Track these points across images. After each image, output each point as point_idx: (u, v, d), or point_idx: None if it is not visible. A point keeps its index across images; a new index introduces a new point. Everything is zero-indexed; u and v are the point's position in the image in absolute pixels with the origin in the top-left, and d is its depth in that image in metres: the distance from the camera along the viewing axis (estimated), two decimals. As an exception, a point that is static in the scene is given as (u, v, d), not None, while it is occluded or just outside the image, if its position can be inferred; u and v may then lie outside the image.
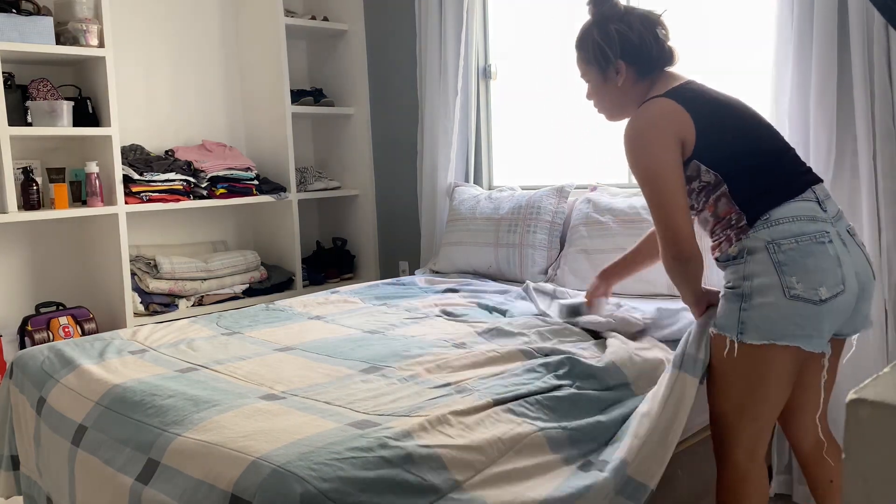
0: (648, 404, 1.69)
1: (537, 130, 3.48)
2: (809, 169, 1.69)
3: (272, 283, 3.62)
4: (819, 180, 1.67)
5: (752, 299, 1.59)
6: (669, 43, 1.79)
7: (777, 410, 1.68)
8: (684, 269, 1.69)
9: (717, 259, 1.72)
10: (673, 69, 1.80)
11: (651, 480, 1.57)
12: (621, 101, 1.82)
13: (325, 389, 1.69)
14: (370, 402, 1.59)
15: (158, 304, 3.24)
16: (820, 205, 1.63)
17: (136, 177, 3.17)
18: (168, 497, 1.37)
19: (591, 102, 1.88)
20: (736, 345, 1.61)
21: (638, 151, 1.67)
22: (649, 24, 1.76)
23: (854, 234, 1.66)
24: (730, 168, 1.67)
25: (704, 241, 1.81)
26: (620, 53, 1.76)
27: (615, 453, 1.58)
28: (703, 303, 1.78)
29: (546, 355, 1.90)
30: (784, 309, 1.57)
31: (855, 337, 1.75)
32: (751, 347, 1.60)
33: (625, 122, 1.78)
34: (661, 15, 1.80)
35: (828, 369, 1.75)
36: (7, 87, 2.90)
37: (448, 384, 1.69)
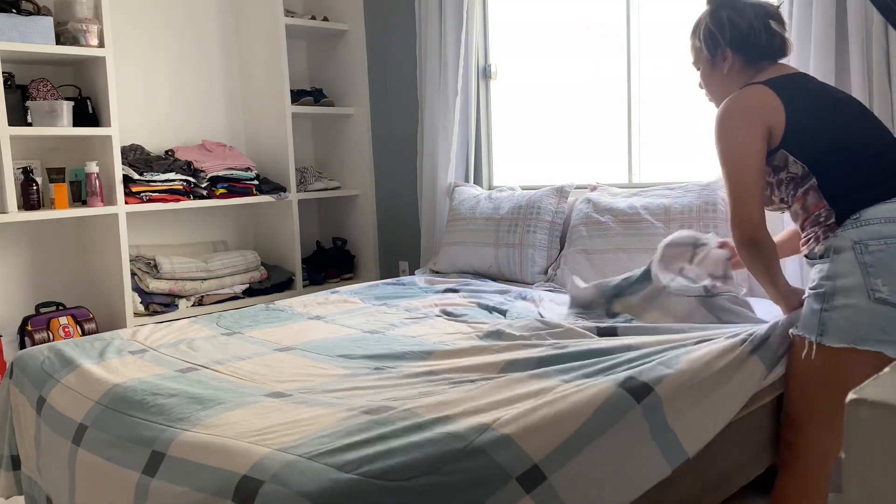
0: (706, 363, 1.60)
1: (537, 130, 3.48)
2: None
3: (272, 283, 3.62)
4: None
5: (834, 300, 1.56)
6: (785, 35, 1.78)
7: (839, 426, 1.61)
8: (755, 253, 1.67)
9: (805, 257, 1.71)
10: (785, 61, 1.80)
11: (691, 448, 1.49)
12: (726, 90, 1.81)
13: (331, 387, 1.69)
14: (378, 394, 1.59)
15: (158, 304, 3.24)
16: None
17: (136, 177, 3.17)
18: (179, 486, 1.37)
19: (703, 92, 1.89)
20: (815, 346, 1.57)
21: (723, 133, 1.68)
22: (761, 14, 1.76)
23: None
24: (820, 161, 1.63)
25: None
26: (729, 40, 1.77)
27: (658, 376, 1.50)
28: (793, 300, 1.75)
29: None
30: (868, 312, 1.52)
31: None
32: (830, 351, 1.55)
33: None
34: (777, 7, 1.80)
35: None
36: (7, 87, 2.90)
37: (460, 380, 1.69)
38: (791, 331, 1.66)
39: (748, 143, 1.65)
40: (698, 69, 1.88)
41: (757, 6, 1.77)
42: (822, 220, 1.64)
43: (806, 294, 1.67)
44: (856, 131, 1.64)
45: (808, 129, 1.64)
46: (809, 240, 1.68)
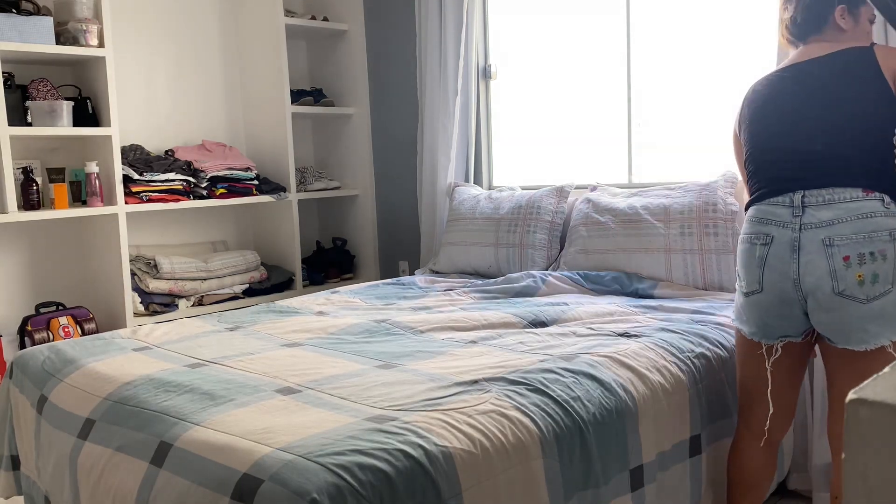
0: None
1: (537, 130, 3.48)
2: (821, 173, 1.66)
3: (272, 284, 3.62)
4: (821, 185, 1.66)
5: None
6: (832, 13, 1.80)
7: (746, 390, 1.88)
8: None
9: None
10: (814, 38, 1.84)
11: None
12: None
13: (340, 383, 1.70)
14: (385, 398, 1.59)
15: (158, 304, 3.24)
16: (794, 209, 1.68)
17: (136, 177, 3.17)
18: (183, 479, 1.38)
19: None
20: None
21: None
22: None
23: (833, 245, 1.62)
24: (746, 154, 1.88)
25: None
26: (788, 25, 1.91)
27: None
28: None
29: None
30: (736, 292, 1.86)
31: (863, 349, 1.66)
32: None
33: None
34: None
35: (833, 375, 1.76)
36: (7, 87, 2.90)
37: (464, 381, 1.69)
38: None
39: (734, 142, 2.03)
40: None
41: None
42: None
43: None
44: (774, 141, 1.77)
45: (747, 123, 1.87)
46: None
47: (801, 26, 1.82)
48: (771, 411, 1.83)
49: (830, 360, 1.76)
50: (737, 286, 1.84)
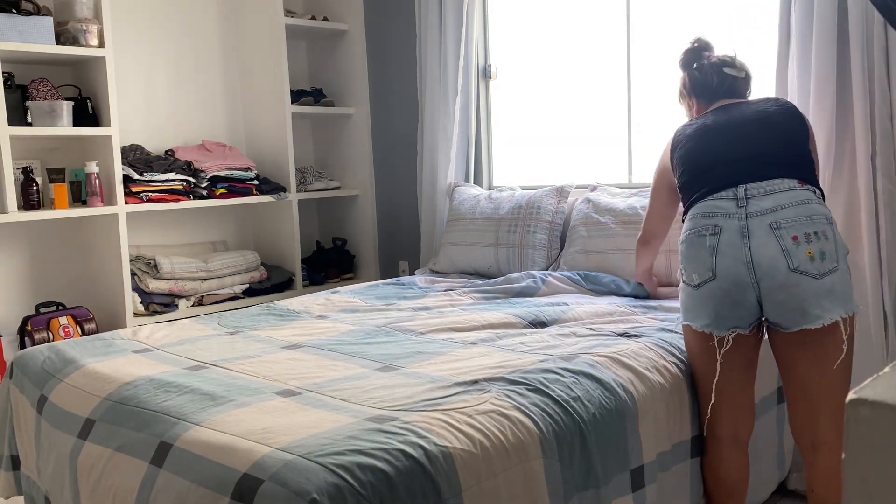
0: None
1: (537, 130, 3.48)
2: (759, 170, 1.83)
3: (272, 284, 3.62)
4: (760, 179, 1.81)
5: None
6: (739, 76, 2.09)
7: (704, 390, 1.90)
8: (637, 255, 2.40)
9: None
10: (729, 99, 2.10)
11: None
12: None
13: (340, 385, 1.70)
14: (385, 398, 1.59)
15: (158, 304, 3.24)
16: (738, 201, 1.79)
17: (136, 177, 3.17)
18: (183, 479, 1.38)
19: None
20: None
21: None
22: (717, 65, 2.09)
23: (780, 227, 1.74)
24: (680, 173, 2.00)
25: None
26: (691, 91, 2.16)
27: None
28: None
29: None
30: (681, 293, 1.89)
31: (817, 325, 1.73)
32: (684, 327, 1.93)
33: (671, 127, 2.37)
34: (733, 56, 2.12)
35: (791, 363, 1.81)
36: (7, 87, 2.90)
37: (464, 381, 1.69)
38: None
39: (658, 180, 2.22)
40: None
41: (713, 62, 2.09)
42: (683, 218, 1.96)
43: None
44: (712, 153, 1.92)
45: (683, 149, 2.00)
46: None
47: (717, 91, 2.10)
48: (712, 401, 1.85)
49: (786, 349, 1.81)
50: (682, 283, 1.87)
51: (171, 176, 3.29)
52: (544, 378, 1.68)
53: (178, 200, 3.30)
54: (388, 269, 4.04)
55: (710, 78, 2.09)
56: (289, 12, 3.79)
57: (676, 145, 2.04)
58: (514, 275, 2.80)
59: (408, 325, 2.29)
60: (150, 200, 3.21)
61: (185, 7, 3.64)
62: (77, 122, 3.03)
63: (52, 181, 3.10)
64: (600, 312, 2.32)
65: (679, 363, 1.92)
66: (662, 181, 2.16)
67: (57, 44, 2.92)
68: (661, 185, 2.17)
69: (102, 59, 3.05)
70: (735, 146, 1.89)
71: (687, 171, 1.96)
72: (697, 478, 1.93)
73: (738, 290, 1.76)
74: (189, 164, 3.40)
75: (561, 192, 3.06)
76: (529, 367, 1.76)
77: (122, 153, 3.25)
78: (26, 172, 2.94)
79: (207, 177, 3.40)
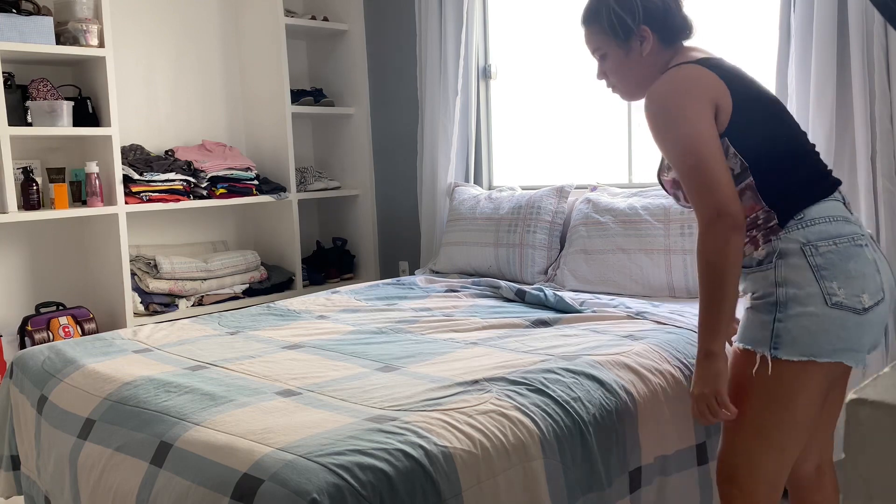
0: None
1: (537, 130, 3.48)
2: (831, 169, 1.56)
3: (272, 283, 3.62)
4: (840, 182, 1.53)
5: (787, 308, 1.40)
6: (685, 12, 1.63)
7: (805, 437, 1.48)
8: (739, 242, 1.41)
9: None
10: (692, 44, 1.64)
11: None
12: (647, 73, 1.59)
13: (340, 385, 1.70)
14: (385, 398, 1.59)
15: (158, 304, 3.24)
16: (846, 206, 1.50)
17: (136, 177, 3.17)
18: (183, 479, 1.38)
19: (605, 83, 1.67)
20: (769, 361, 1.42)
21: (671, 119, 1.44)
22: None
23: (874, 239, 1.52)
24: (759, 157, 1.47)
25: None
26: (643, 19, 1.56)
27: None
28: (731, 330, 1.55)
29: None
30: (826, 319, 1.38)
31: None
32: (785, 364, 1.40)
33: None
34: None
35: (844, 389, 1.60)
36: (7, 87, 2.90)
37: (464, 381, 1.69)
38: (736, 345, 1.50)
39: (701, 125, 1.43)
40: (601, 58, 1.65)
41: None
42: (760, 222, 1.47)
43: (748, 304, 1.50)
44: (788, 129, 1.52)
45: (749, 118, 1.47)
46: (745, 245, 1.49)
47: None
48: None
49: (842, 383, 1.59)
50: (827, 307, 1.39)
51: (171, 176, 3.28)
52: (545, 378, 1.68)
53: (178, 200, 3.30)
54: (388, 270, 4.04)
55: (671, 7, 1.59)
56: (289, 12, 3.79)
57: (734, 89, 1.48)
58: (526, 287, 2.69)
59: (408, 325, 2.29)
60: (150, 200, 3.21)
61: (185, 7, 3.64)
62: (77, 122, 3.03)
63: (52, 181, 3.10)
64: (605, 315, 2.31)
65: (682, 367, 1.90)
66: (712, 126, 1.45)
67: (57, 44, 2.92)
68: (714, 134, 1.45)
69: (102, 59, 3.05)
70: (798, 133, 1.54)
71: (769, 150, 1.48)
72: (707, 486, 1.90)
73: (887, 314, 1.47)
74: (189, 164, 3.40)
75: (561, 192, 3.06)
76: (530, 367, 1.76)
77: (122, 153, 3.24)
78: (26, 172, 2.94)
79: (207, 177, 3.40)
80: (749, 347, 1.46)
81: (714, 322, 1.44)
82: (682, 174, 1.46)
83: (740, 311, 1.54)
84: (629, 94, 1.66)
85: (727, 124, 1.46)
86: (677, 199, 1.62)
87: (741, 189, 1.48)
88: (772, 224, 1.45)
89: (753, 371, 1.44)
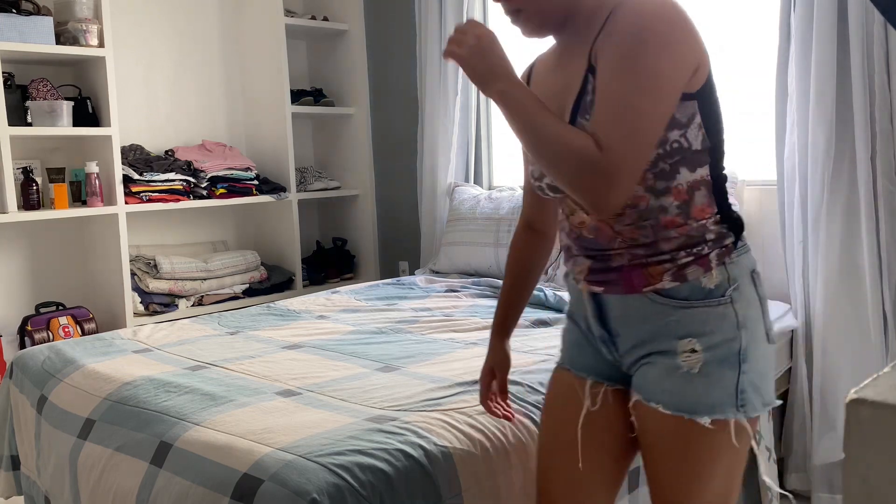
0: None
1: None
2: None
3: (272, 283, 3.62)
4: None
5: (748, 355, 1.14)
6: None
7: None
8: (582, 183, 1.04)
9: (661, 292, 1.14)
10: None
11: None
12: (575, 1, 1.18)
13: (340, 385, 1.70)
14: (385, 398, 1.59)
15: (158, 304, 3.24)
16: None
17: (136, 177, 3.17)
18: (183, 479, 1.38)
19: (505, 8, 1.23)
20: (744, 424, 1.14)
21: (657, 48, 1.06)
22: None
23: None
24: (718, 146, 1.16)
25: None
26: None
27: None
28: None
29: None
30: (770, 357, 1.18)
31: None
32: (748, 422, 1.16)
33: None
34: None
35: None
36: (7, 87, 2.90)
37: (464, 382, 1.69)
38: (704, 422, 1.12)
39: (681, 78, 1.08)
40: None
41: None
42: (710, 237, 1.14)
43: (683, 358, 1.14)
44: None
45: (715, 96, 1.16)
46: (686, 264, 1.13)
47: None
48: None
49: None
50: (773, 339, 1.20)
51: (171, 176, 3.29)
52: (545, 378, 1.68)
53: (178, 200, 3.30)
54: (388, 270, 4.04)
55: None
56: (289, 12, 3.79)
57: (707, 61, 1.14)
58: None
59: (408, 325, 2.29)
60: (150, 200, 3.21)
61: (185, 7, 3.64)
62: (77, 122, 3.03)
63: (52, 181, 3.10)
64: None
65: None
66: (680, 83, 1.09)
67: (57, 44, 2.92)
68: (676, 92, 1.08)
69: (102, 58, 3.05)
70: None
71: (722, 143, 1.18)
72: None
73: None
74: (189, 164, 3.40)
75: (561, 192, 3.06)
76: (530, 367, 1.76)
77: (122, 153, 3.24)
78: (26, 172, 2.94)
79: (207, 177, 3.40)
80: (704, 419, 1.12)
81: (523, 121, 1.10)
82: (616, 111, 1.05)
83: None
84: (542, 24, 1.22)
85: (702, 85, 1.12)
86: (542, 190, 1.24)
87: (694, 182, 1.13)
88: (727, 242, 1.15)
89: (722, 440, 1.14)
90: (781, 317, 2.46)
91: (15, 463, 2.11)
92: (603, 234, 1.18)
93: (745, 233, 1.19)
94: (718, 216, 1.16)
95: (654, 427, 1.18)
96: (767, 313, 1.18)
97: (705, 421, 1.13)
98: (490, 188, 3.61)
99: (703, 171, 1.14)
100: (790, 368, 2.51)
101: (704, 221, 1.14)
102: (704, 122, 1.13)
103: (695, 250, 1.14)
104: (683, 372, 1.14)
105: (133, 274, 3.24)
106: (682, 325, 1.14)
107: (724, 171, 1.18)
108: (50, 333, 2.94)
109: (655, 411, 1.16)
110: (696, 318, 1.13)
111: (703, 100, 1.13)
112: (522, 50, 2.96)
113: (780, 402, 1.23)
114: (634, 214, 1.14)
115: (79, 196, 3.16)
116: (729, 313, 1.13)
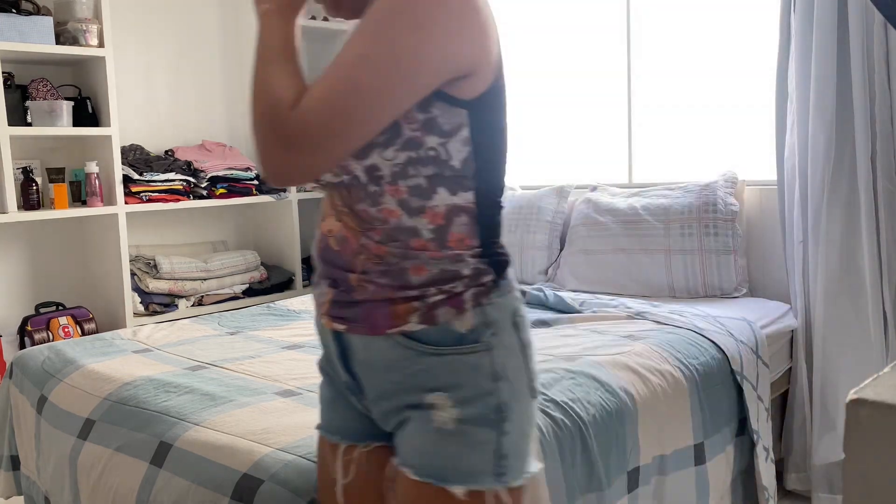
0: None
1: (537, 130, 3.48)
2: None
3: (272, 284, 3.62)
4: None
5: (510, 413, 0.99)
6: None
7: None
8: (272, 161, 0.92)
9: (408, 335, 0.99)
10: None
11: None
12: None
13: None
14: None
15: (158, 304, 3.24)
16: None
17: (136, 177, 3.17)
18: (183, 479, 1.38)
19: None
20: (503, 498, 0.98)
21: (415, 24, 0.90)
22: None
23: None
24: (489, 168, 1.02)
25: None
26: None
27: None
28: None
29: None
30: (533, 415, 1.04)
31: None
32: (511, 492, 1.00)
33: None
34: None
35: None
36: (7, 87, 2.90)
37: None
38: (457, 492, 0.96)
39: (433, 61, 0.92)
40: None
41: None
42: (466, 271, 0.99)
43: (439, 412, 0.98)
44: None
45: (497, 112, 1.02)
46: (438, 303, 0.98)
47: None
48: None
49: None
50: (526, 393, 1.02)
51: (171, 176, 3.29)
52: (544, 379, 1.68)
53: (177, 200, 3.30)
54: (388, 269, 4.04)
55: None
56: (289, 12, 3.79)
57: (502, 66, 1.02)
58: (526, 287, 2.69)
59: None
60: (150, 200, 3.21)
61: (185, 7, 3.64)
62: (77, 122, 3.03)
63: (51, 181, 3.10)
64: (606, 315, 2.31)
65: (682, 367, 1.91)
66: (422, 73, 0.92)
67: (57, 44, 2.92)
68: (416, 75, 0.92)
69: (102, 58, 3.05)
70: None
71: (503, 171, 1.06)
72: (704, 487, 1.91)
73: None
74: (189, 164, 3.40)
75: (561, 192, 3.06)
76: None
77: (122, 153, 3.24)
78: (26, 172, 2.94)
79: (207, 177, 3.40)
80: (456, 488, 0.96)
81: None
82: (331, 77, 0.91)
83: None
84: (336, 5, 1.08)
85: (478, 95, 0.98)
86: (345, 170, 0.99)
87: (454, 207, 0.99)
88: (485, 280, 1.00)
89: None
90: (781, 317, 2.46)
91: (15, 463, 2.11)
92: (349, 247, 1.01)
93: (510, 271, 1.04)
94: (480, 250, 1.01)
95: (400, 495, 1.00)
96: (532, 363, 1.02)
97: (458, 491, 0.96)
98: (490, 188, 3.61)
99: (467, 197, 1.00)
100: (790, 368, 2.51)
101: (461, 253, 0.99)
102: (474, 139, 0.99)
103: (447, 287, 0.98)
104: (435, 428, 0.97)
105: (133, 274, 3.24)
106: (431, 376, 0.98)
107: (500, 203, 1.04)
108: (50, 333, 2.94)
109: (405, 477, 0.99)
110: (446, 368, 0.97)
111: (478, 113, 0.98)
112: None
113: (539, 468, 1.07)
114: (384, 230, 0.99)
115: (79, 196, 3.17)
116: (483, 363, 0.97)
